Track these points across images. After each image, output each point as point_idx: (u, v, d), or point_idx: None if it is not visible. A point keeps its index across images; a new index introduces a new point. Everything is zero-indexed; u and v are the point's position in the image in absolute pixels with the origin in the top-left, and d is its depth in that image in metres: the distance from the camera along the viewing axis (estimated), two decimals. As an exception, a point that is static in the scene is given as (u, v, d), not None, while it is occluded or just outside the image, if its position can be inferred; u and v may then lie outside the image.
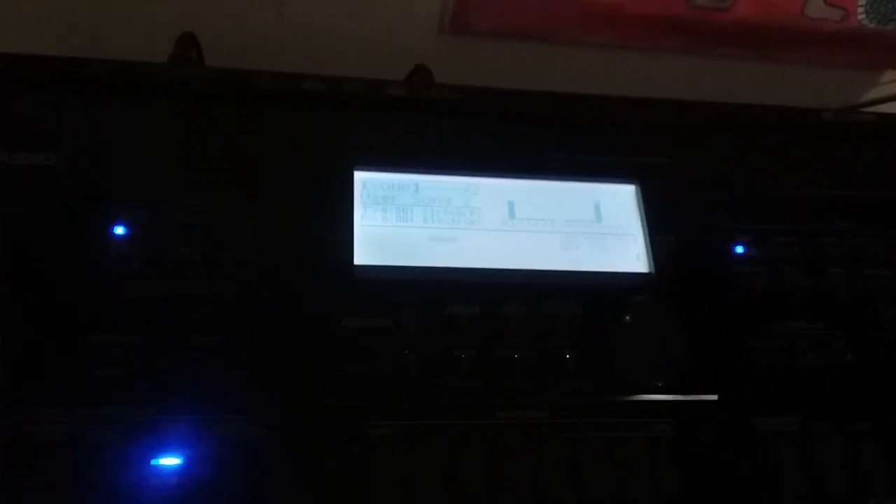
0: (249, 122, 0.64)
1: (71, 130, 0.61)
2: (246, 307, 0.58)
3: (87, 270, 0.57)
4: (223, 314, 0.57)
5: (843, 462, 0.59)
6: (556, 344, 0.61)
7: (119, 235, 0.58)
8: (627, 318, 0.62)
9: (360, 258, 0.62)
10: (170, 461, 0.52)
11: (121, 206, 0.59)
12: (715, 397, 0.60)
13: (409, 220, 0.65)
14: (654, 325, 0.62)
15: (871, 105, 1.06)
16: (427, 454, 0.55)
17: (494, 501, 0.54)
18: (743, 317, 0.64)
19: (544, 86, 0.71)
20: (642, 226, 0.67)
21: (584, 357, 0.60)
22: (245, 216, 0.61)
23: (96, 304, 0.56)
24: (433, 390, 0.58)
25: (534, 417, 0.57)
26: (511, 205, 0.67)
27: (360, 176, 0.65)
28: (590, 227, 0.67)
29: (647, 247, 0.66)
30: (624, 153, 0.70)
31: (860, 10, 0.86)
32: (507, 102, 0.70)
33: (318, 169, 0.64)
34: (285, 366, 0.56)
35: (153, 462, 0.52)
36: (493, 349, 0.59)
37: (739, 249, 0.66)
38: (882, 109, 1.04)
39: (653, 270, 0.65)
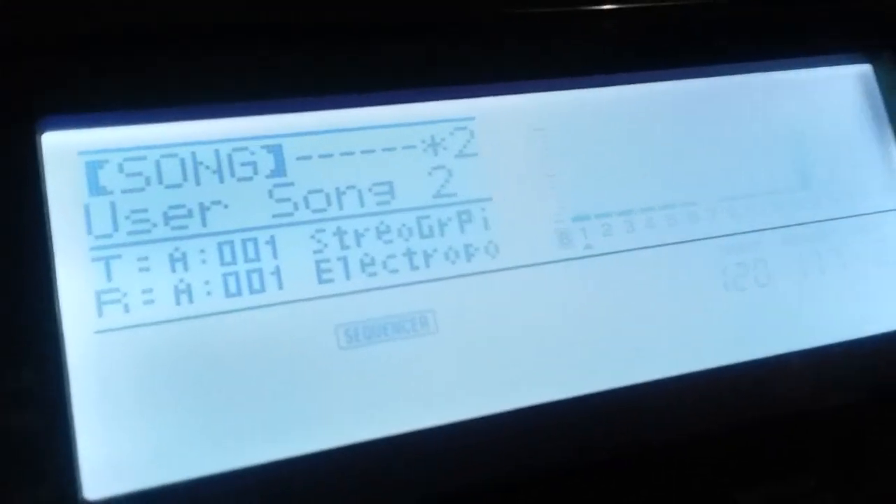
0: None
1: None
2: None
3: None
4: None
5: None
6: None
7: None
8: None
9: (99, 476, 0.17)
10: None
11: None
12: None
13: (266, 279, 0.19)
14: None
15: None
16: None
17: None
18: None
19: None
20: (917, 183, 0.25)
21: None
22: None
23: None
24: None
25: None
26: (570, 173, 0.22)
27: (71, 146, 0.19)
28: (787, 207, 0.24)
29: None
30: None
31: None
32: None
33: None
34: None
35: None
36: None
37: None
38: None
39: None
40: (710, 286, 0.23)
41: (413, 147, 0.21)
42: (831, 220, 0.24)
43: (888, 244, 0.24)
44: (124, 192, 0.19)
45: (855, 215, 0.24)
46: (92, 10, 0.19)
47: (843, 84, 0.26)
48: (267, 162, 0.20)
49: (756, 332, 0.23)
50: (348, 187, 0.21)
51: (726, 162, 0.24)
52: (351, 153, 0.21)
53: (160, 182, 0.19)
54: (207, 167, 0.20)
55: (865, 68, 0.26)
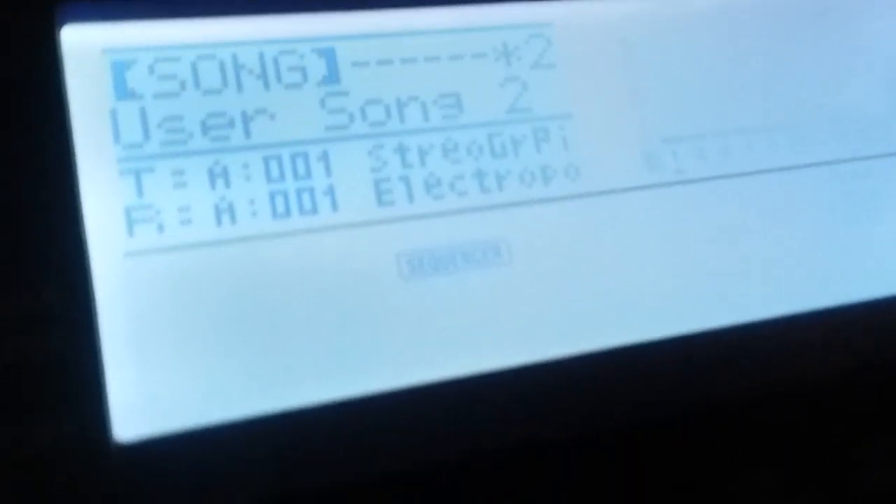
0: None
1: None
2: None
3: None
4: None
5: None
6: None
7: None
8: None
9: (132, 418, 0.15)
10: None
11: None
12: None
13: (318, 200, 0.17)
14: None
15: None
16: None
17: None
18: None
19: None
20: None
21: None
22: None
23: None
24: None
25: None
26: (659, 89, 0.20)
27: (93, 42, 0.16)
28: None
29: None
30: None
31: None
32: None
33: None
34: None
35: None
36: None
37: None
38: None
39: None
40: (817, 218, 0.20)
41: (483, 55, 0.19)
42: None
43: None
44: (156, 96, 0.16)
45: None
46: None
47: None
48: (318, 67, 0.18)
49: (869, 269, 0.20)
50: (410, 98, 0.18)
51: (835, 78, 0.21)
52: (413, 60, 0.18)
53: (197, 87, 0.17)
54: (251, 71, 0.17)
55: None
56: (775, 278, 0.19)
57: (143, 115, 0.16)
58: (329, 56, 0.18)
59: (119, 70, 0.16)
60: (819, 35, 0.21)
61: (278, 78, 0.17)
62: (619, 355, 0.18)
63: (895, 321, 0.20)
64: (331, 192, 0.17)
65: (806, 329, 0.19)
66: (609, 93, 0.19)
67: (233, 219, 0.16)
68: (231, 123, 0.17)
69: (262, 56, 0.17)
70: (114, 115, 0.16)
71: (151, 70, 0.17)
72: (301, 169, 0.17)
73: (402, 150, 0.18)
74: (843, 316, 0.19)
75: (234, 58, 0.17)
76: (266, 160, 0.17)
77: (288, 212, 0.17)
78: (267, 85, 0.17)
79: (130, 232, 0.16)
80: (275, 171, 0.17)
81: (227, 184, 0.16)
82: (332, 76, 0.18)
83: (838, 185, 0.20)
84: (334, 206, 0.17)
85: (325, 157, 0.17)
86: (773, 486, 0.17)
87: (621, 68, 0.19)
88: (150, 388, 0.15)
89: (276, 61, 0.17)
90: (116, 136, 0.16)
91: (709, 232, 0.19)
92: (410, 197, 0.17)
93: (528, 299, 0.18)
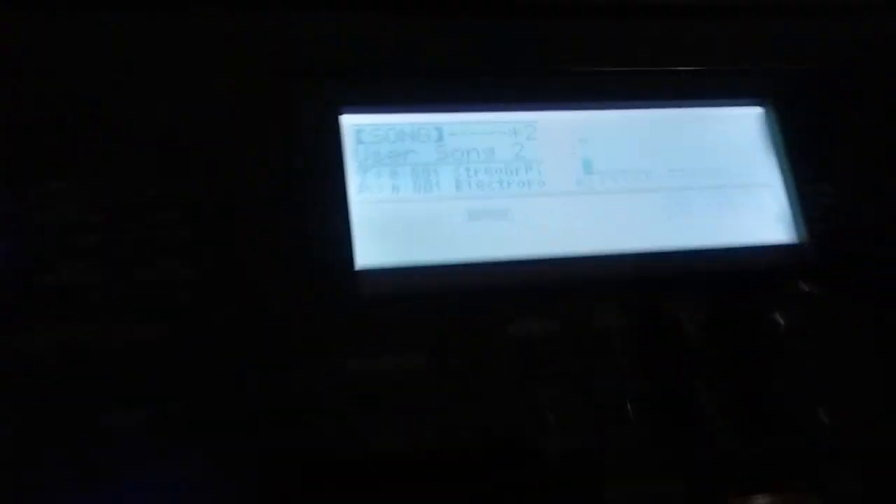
0: (149, 40, 0.39)
1: None
2: (185, 360, 0.35)
3: None
4: (147, 374, 0.34)
5: None
6: (685, 372, 0.39)
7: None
8: (778, 319, 0.40)
9: (364, 258, 0.38)
10: None
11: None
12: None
13: (433, 186, 0.41)
14: (816, 330, 0.41)
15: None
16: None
17: None
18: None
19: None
20: (781, 170, 0.45)
21: (730, 395, 0.39)
22: (172, 203, 0.37)
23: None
24: (509, 467, 0.36)
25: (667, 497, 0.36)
26: (586, 152, 0.43)
27: (350, 122, 0.41)
28: (704, 178, 0.44)
29: (791, 203, 0.44)
30: (744, 56, 0.46)
31: None
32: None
33: (277, 116, 0.39)
34: (261, 455, 0.34)
35: None
36: (594, 384, 0.38)
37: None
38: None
39: (804, 240, 0.43)
40: (659, 215, 0.43)
41: (505, 132, 0.43)
42: (726, 187, 0.44)
43: (761, 203, 0.44)
44: (371, 143, 0.41)
45: (739, 185, 0.44)
46: (370, 50, 0.42)
47: (747, 117, 0.46)
48: (434, 135, 0.42)
49: (676, 236, 0.43)
50: (472, 149, 0.42)
51: (667, 151, 0.44)
52: (475, 133, 0.42)
53: (387, 141, 0.41)
54: (409, 135, 0.42)
55: (759, 109, 0.46)
56: (632, 232, 0.42)
57: (367, 150, 0.41)
58: (440, 130, 0.42)
59: (358, 132, 0.41)
60: (661, 134, 0.44)
61: (420, 139, 0.42)
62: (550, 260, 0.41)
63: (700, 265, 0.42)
64: (438, 183, 0.41)
65: (664, 262, 0.41)
66: (561, 147, 0.43)
67: (399, 192, 0.40)
68: (401, 155, 0.41)
69: (414, 130, 0.42)
70: (355, 150, 0.41)
71: (370, 133, 0.41)
72: (427, 175, 0.41)
73: (468, 170, 0.42)
74: (670, 258, 0.42)
75: (403, 129, 0.42)
76: (414, 169, 0.41)
77: (419, 190, 0.41)
78: (414, 140, 0.42)
79: (360, 192, 0.40)
80: (418, 175, 0.41)
81: (398, 177, 0.41)
82: (441, 138, 0.42)
83: (670, 198, 0.43)
84: (440, 188, 0.41)
85: (437, 171, 0.41)
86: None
87: (571, 138, 0.43)
88: (381, 248, 0.39)
89: (418, 132, 0.42)
90: (356, 157, 0.41)
91: (609, 214, 0.42)
92: (471, 188, 0.41)
93: (522, 233, 0.41)
